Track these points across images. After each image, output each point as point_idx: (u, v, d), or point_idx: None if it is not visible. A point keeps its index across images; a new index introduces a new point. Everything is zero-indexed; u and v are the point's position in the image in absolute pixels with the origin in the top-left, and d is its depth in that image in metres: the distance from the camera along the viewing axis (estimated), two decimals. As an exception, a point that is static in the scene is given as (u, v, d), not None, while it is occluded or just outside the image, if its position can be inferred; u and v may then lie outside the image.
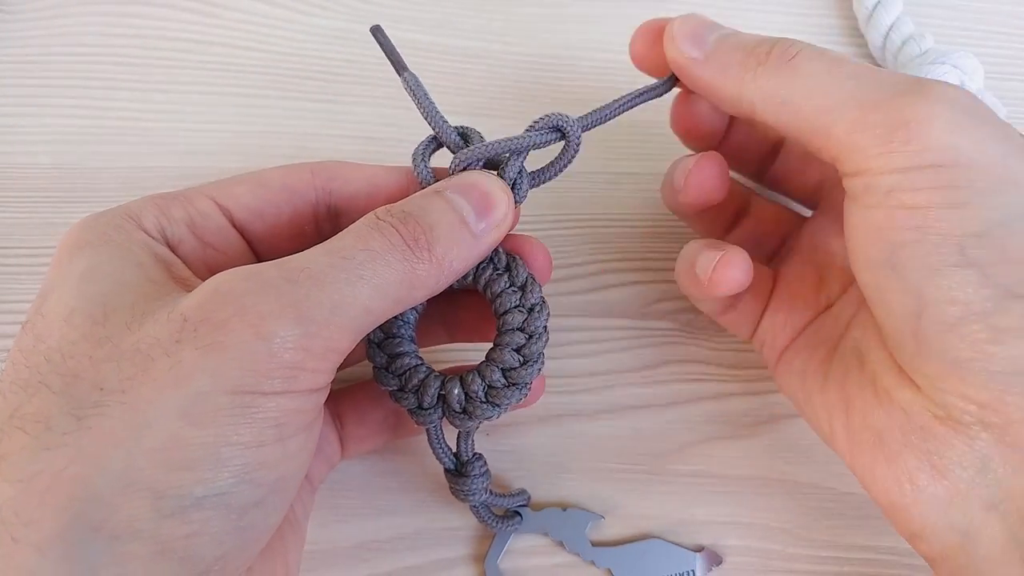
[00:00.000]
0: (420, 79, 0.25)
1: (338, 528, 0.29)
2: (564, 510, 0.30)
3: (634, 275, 0.34)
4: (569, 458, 0.31)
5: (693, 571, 0.29)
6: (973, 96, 0.21)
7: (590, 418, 0.32)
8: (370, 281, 0.21)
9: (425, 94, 0.25)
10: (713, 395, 0.32)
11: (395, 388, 0.25)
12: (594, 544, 0.29)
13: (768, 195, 0.32)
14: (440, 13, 0.39)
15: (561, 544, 0.29)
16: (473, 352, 0.31)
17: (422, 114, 0.25)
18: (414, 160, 0.25)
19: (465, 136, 0.25)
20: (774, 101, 0.23)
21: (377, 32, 0.25)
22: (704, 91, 0.26)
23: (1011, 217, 0.20)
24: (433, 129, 0.25)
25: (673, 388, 0.32)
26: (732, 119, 0.30)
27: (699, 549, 0.30)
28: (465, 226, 0.23)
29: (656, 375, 0.33)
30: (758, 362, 0.33)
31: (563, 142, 0.26)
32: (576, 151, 0.26)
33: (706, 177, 0.27)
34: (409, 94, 0.25)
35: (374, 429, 0.28)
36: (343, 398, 0.28)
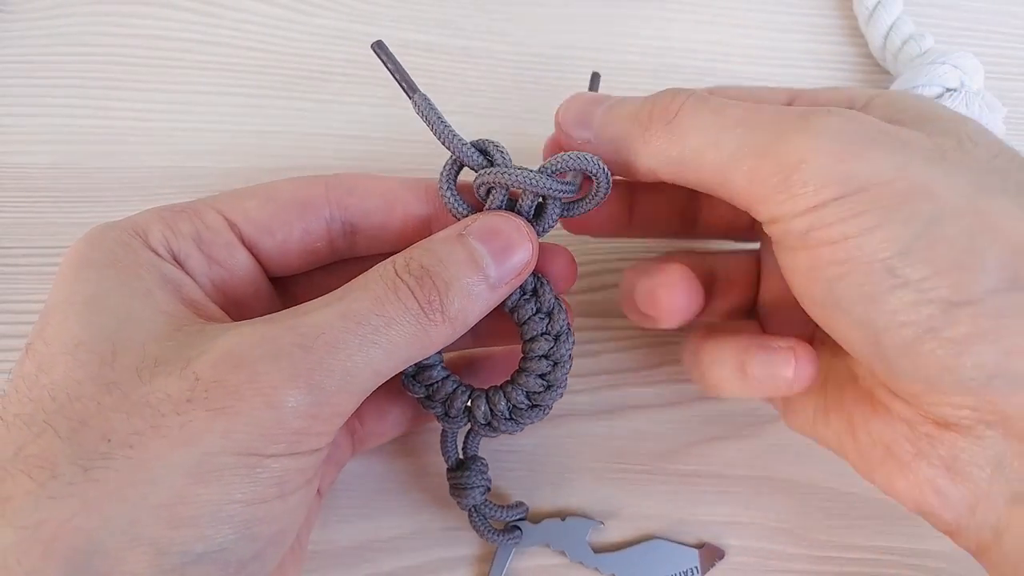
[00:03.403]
0: (431, 99, 0.24)
1: (338, 528, 0.29)
2: (563, 520, 0.29)
3: (634, 275, 0.34)
4: (569, 458, 0.31)
5: (696, 568, 0.29)
6: (855, 116, 0.21)
7: (590, 418, 0.32)
8: (383, 346, 0.21)
9: (438, 116, 0.24)
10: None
11: (423, 396, 0.26)
12: (596, 550, 0.29)
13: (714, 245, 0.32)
14: (441, 13, 0.39)
15: (563, 554, 0.29)
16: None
17: (437, 137, 0.24)
18: (440, 189, 0.25)
19: (485, 152, 0.25)
20: (670, 164, 0.23)
21: (379, 49, 0.24)
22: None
23: (926, 226, 0.19)
24: (451, 151, 0.24)
25: (673, 388, 0.32)
26: (635, 190, 0.28)
27: (700, 545, 0.30)
28: (483, 279, 0.22)
29: (656, 375, 0.33)
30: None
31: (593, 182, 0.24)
32: (606, 194, 0.25)
33: (676, 300, 0.25)
34: (421, 117, 0.24)
35: (393, 423, 0.28)
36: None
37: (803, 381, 0.24)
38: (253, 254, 0.25)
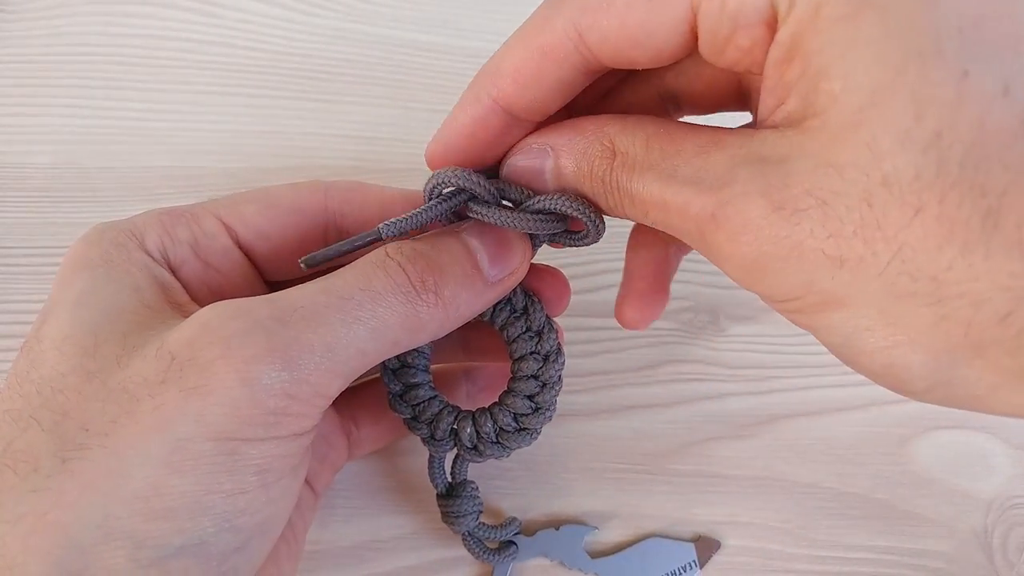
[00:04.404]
0: (391, 222, 0.22)
1: (338, 528, 0.29)
2: (557, 529, 0.29)
3: (634, 275, 0.34)
4: (569, 458, 0.31)
5: (694, 562, 0.29)
6: (743, 225, 0.17)
7: (590, 418, 0.32)
8: (367, 323, 0.20)
9: (407, 217, 0.22)
10: (713, 395, 0.32)
11: (409, 417, 0.25)
12: (593, 554, 0.29)
13: None
14: (441, 13, 0.39)
15: (562, 563, 0.29)
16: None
17: (421, 224, 0.22)
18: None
19: (465, 190, 0.22)
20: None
21: (312, 262, 0.22)
22: None
23: (847, 340, 0.18)
24: (438, 219, 0.23)
25: (673, 388, 0.32)
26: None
27: (695, 539, 0.30)
28: (477, 271, 0.22)
29: (656, 375, 0.33)
30: (758, 362, 0.33)
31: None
32: (595, 239, 0.23)
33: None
34: (398, 236, 0.22)
35: (389, 427, 0.28)
36: (358, 398, 0.28)
37: (628, 326, 0.27)
38: (250, 258, 0.25)
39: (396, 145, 0.36)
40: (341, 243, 0.22)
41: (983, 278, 0.15)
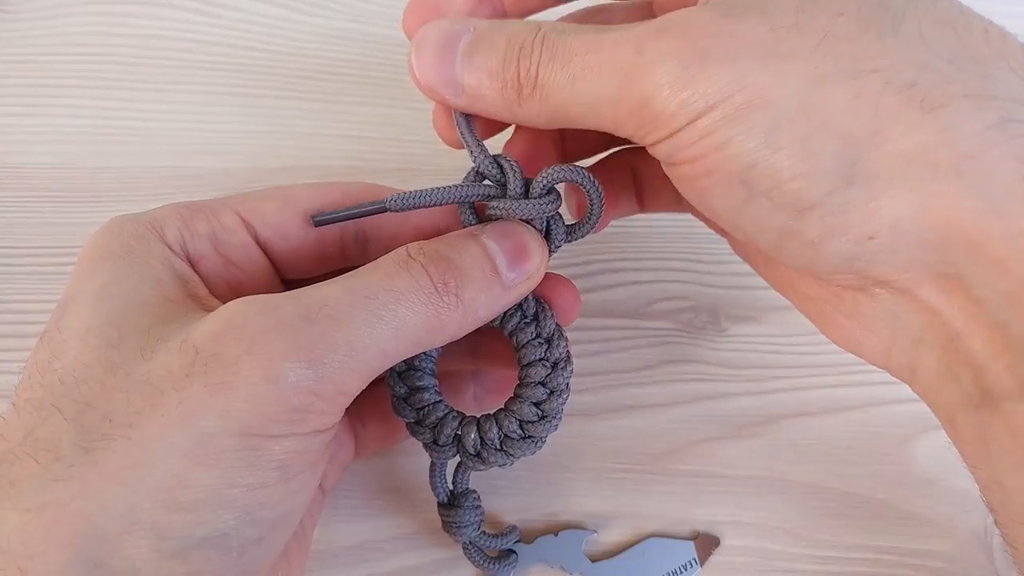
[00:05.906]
0: (399, 195, 0.23)
1: (338, 528, 0.29)
2: (556, 535, 0.29)
3: (634, 275, 0.34)
4: (569, 458, 0.31)
5: (694, 560, 0.29)
6: (687, 28, 0.20)
7: (590, 418, 0.32)
8: (390, 323, 0.20)
9: (418, 198, 0.23)
10: (713, 395, 0.32)
11: (412, 421, 0.25)
12: (594, 558, 0.29)
13: None
14: (440, 13, 0.39)
15: (563, 569, 0.29)
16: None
17: (433, 202, 0.23)
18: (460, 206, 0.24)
19: (501, 167, 0.24)
20: (545, 119, 0.22)
21: (322, 221, 0.24)
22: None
23: (766, 137, 0.19)
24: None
25: (673, 388, 0.32)
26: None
27: (694, 536, 0.30)
28: (496, 275, 0.22)
29: (656, 375, 0.33)
30: (758, 362, 0.33)
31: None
32: (600, 207, 0.24)
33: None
34: (401, 211, 0.23)
35: (394, 427, 0.28)
36: (365, 398, 0.27)
37: None
38: (267, 255, 0.25)
39: (396, 145, 0.36)
40: (350, 208, 0.24)
41: (891, 53, 0.19)
